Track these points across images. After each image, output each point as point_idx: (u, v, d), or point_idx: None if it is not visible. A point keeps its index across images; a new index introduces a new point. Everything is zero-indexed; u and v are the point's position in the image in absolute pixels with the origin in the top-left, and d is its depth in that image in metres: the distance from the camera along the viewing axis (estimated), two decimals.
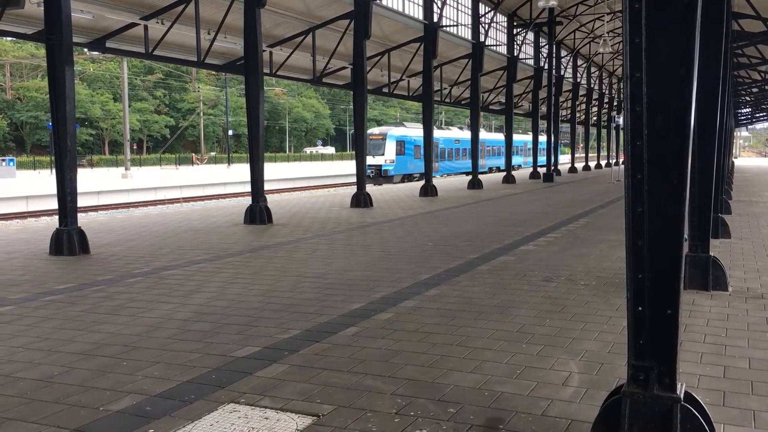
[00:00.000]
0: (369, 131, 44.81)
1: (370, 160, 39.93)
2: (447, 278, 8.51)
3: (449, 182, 34.95)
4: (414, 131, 46.33)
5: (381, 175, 43.82)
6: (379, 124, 65.83)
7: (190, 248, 11.39)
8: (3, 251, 11.31)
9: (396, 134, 46.30)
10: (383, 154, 45.04)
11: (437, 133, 46.23)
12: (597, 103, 55.89)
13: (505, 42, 32.92)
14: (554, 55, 37.62)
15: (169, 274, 8.99)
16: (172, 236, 13.01)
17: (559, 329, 6.05)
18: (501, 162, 57.45)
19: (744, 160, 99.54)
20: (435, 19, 24.01)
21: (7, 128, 68.33)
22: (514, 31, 33.10)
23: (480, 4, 29.02)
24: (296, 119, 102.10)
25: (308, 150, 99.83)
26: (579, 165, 52.90)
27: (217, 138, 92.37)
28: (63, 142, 10.97)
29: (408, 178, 46.21)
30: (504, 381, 4.73)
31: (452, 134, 56.62)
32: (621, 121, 40.02)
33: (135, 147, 72.75)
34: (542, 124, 44.42)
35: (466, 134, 49.56)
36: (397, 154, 45.32)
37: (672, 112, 3.24)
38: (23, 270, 9.48)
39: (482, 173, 47.88)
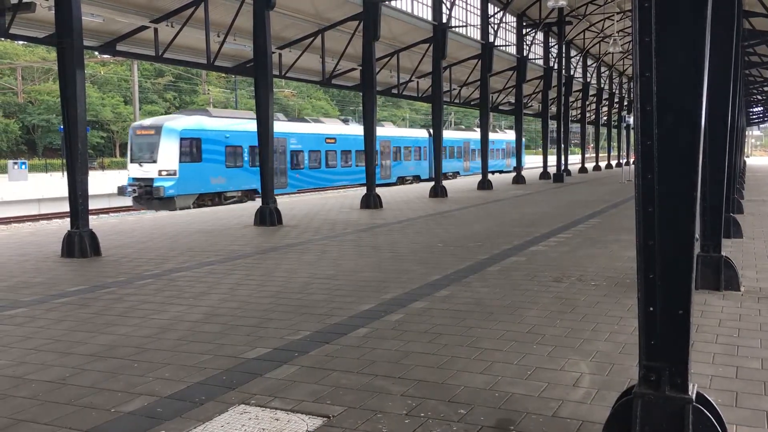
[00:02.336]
0: (136, 123, 31.02)
1: (135, 171, 27.67)
2: (457, 279, 8.50)
3: (459, 183, 34.89)
4: (221, 120, 29.73)
5: (154, 196, 26.73)
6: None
7: (200, 250, 11.43)
8: (15, 253, 11.38)
9: (180, 126, 27.67)
10: (155, 161, 27.25)
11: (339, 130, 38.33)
12: (607, 103, 55.65)
13: (515, 42, 32.85)
14: (564, 55, 37.50)
15: (179, 276, 9.03)
16: (183, 238, 13.06)
17: (569, 330, 6.03)
18: (460, 165, 51.25)
19: (756, 159, 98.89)
20: (444, 20, 23.99)
21: (19, 131, 68.84)
22: (524, 31, 33.02)
23: (489, 4, 28.97)
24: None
25: None
26: (590, 165, 52.70)
27: None
28: (74, 144, 11.03)
29: (217, 198, 28.80)
30: (514, 382, 4.72)
31: (346, 130, 39.83)
32: (631, 120, 39.83)
33: None
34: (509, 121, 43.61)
35: (389, 130, 42.95)
36: (183, 161, 27.16)
37: (683, 111, 3.22)
38: (35, 272, 9.54)
39: (428, 180, 42.08)
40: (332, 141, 37.28)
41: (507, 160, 58.62)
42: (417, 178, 45.25)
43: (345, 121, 43.30)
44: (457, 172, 50.96)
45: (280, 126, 31.48)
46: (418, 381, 4.76)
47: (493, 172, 54.95)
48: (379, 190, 20.63)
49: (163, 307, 7.19)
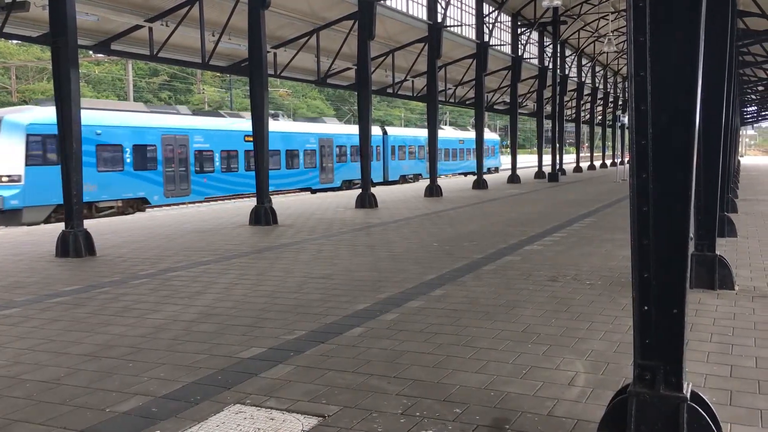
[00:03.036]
0: None
1: None
2: (452, 278, 8.50)
3: (454, 183, 34.92)
4: (92, 113, 22.67)
5: None
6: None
7: (195, 249, 11.41)
8: (10, 253, 11.35)
9: (27, 120, 21.24)
10: None
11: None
12: (602, 103, 55.76)
13: (510, 42, 32.90)
14: (558, 54, 37.54)
15: (174, 276, 9.01)
16: (178, 237, 13.04)
17: (564, 329, 6.04)
18: (422, 167, 44.89)
19: (750, 159, 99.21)
20: (439, 19, 24.00)
21: None
22: (519, 31, 33.08)
23: (484, 3, 29.01)
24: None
25: None
26: (584, 164, 52.78)
27: None
28: (69, 144, 11.00)
29: (87, 210, 20.76)
30: (510, 381, 4.72)
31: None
32: (626, 120, 39.84)
33: None
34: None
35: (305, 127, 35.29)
36: (32, 164, 21.04)
37: (677, 110, 3.23)
38: (29, 272, 9.51)
39: (383, 183, 38.68)
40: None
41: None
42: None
43: (274, 116, 35.15)
44: (419, 175, 45.36)
45: (179, 120, 26.87)
46: (414, 380, 4.76)
47: (466, 174, 49.60)
48: (384, 190, 20.59)
49: (158, 307, 7.18)
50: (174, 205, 26.25)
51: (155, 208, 25.25)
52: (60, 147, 11.20)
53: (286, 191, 32.64)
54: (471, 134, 54.75)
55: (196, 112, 32.52)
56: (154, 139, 25.47)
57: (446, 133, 50.80)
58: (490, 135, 57.55)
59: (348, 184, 37.02)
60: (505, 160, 67.09)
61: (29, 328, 6.43)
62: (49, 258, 10.77)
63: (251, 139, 27.38)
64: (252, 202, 26.04)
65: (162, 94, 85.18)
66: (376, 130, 40.53)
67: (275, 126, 32.06)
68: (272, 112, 46.90)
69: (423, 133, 46.57)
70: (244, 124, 29.90)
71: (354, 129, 38.65)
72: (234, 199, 29.15)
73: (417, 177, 45.06)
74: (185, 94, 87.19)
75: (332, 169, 36.00)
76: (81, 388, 4.73)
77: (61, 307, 7.29)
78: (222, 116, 31.57)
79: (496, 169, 57.53)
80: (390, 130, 42.97)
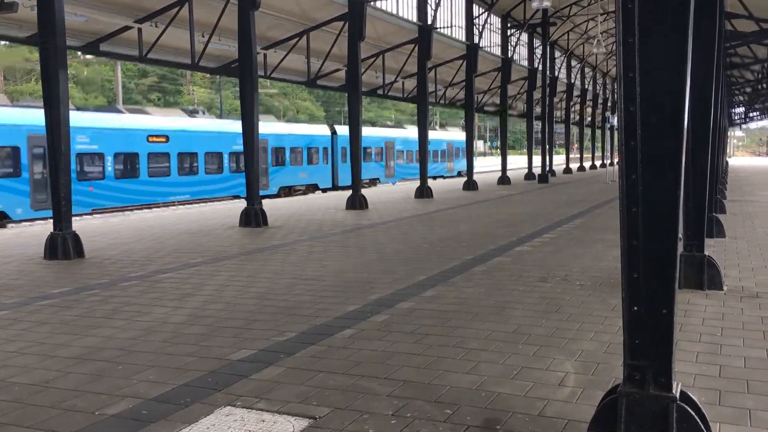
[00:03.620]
0: None
1: None
2: (443, 279, 8.51)
3: (445, 184, 34.96)
4: None
5: None
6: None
7: (185, 251, 11.37)
8: None
9: None
10: None
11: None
12: (591, 104, 55.98)
13: (500, 43, 32.96)
14: (548, 56, 37.67)
15: (164, 278, 8.97)
16: (168, 239, 12.98)
17: (555, 329, 6.06)
18: (379, 170, 40.72)
19: (738, 160, 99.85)
20: (429, 21, 24.03)
21: None
22: (508, 32, 33.15)
23: (474, 5, 29.07)
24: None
25: None
26: (574, 166, 52.96)
27: None
28: (57, 145, 10.94)
29: None
30: (500, 382, 4.73)
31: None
32: (615, 121, 39.99)
33: None
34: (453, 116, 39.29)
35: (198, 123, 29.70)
36: None
37: (666, 111, 3.25)
38: (18, 274, 9.44)
39: (333, 189, 34.62)
40: (161, 140, 26.43)
41: (449, 163, 49.79)
42: (313, 188, 35.14)
43: (192, 113, 31.96)
44: (377, 179, 40.42)
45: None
46: (405, 381, 4.76)
47: (435, 178, 43.84)
48: (374, 191, 20.55)
49: (148, 309, 7.15)
50: (46, 219, 20.49)
51: (23, 222, 21.28)
52: (48, 148, 11.12)
53: (204, 200, 27.78)
54: (440, 134, 50.83)
55: (81, 107, 28.24)
56: (16, 140, 21.19)
57: (409, 132, 44.89)
58: (458, 135, 52.20)
59: (287, 191, 32.52)
60: (481, 163, 65.52)
61: (18, 330, 6.38)
62: (38, 260, 10.70)
63: (160, 139, 26.10)
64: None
65: (151, 95, 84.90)
66: (322, 130, 37.37)
67: (192, 124, 28.45)
68: (190, 108, 40.69)
69: (380, 132, 43.14)
70: (148, 121, 26.33)
71: (294, 128, 35.36)
72: (134, 209, 24.93)
73: (374, 182, 39.78)
74: (175, 95, 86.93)
75: (266, 173, 30.66)
76: (70, 390, 4.70)
77: (50, 309, 7.24)
78: (120, 112, 27.27)
79: (460, 173, 52.35)
80: (341, 129, 37.96)
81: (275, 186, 32.04)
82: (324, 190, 34.99)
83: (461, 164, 50.59)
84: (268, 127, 31.23)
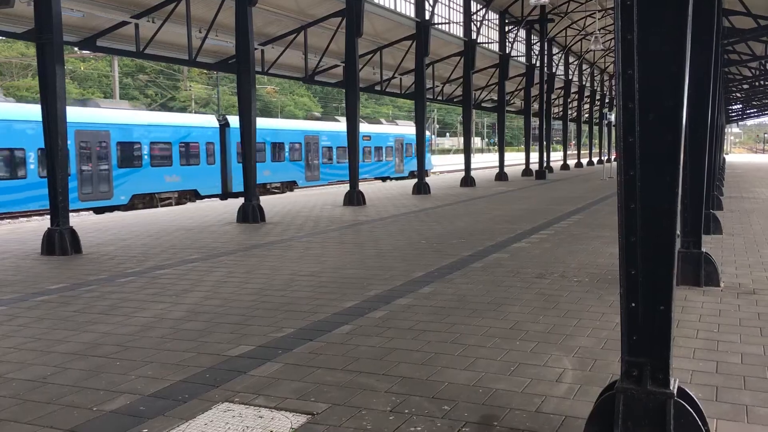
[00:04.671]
0: None
1: None
2: (440, 276, 8.52)
3: (442, 180, 34.96)
4: None
5: None
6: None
7: (182, 247, 11.36)
8: None
9: None
10: None
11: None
12: (589, 100, 56.00)
13: (497, 39, 32.94)
14: (546, 52, 37.65)
15: (161, 274, 8.97)
16: (165, 235, 12.97)
17: (552, 326, 6.07)
18: (298, 171, 33.54)
19: (735, 157, 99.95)
20: (427, 17, 24.00)
21: None
22: (506, 29, 33.12)
23: (472, 1, 29.03)
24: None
25: None
26: (571, 162, 52.97)
27: None
28: (54, 141, 10.92)
29: None
30: (498, 378, 4.74)
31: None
32: (612, 117, 39.98)
33: None
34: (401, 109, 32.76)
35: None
36: None
37: (664, 108, 3.25)
38: (15, 270, 9.43)
39: (223, 196, 27.93)
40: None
41: (397, 161, 42.74)
42: (192, 195, 27.39)
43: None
44: (294, 182, 33.49)
45: None
46: (402, 377, 4.77)
47: (384, 179, 38.56)
48: (371, 187, 20.50)
49: (146, 305, 7.14)
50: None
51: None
52: (45, 144, 11.10)
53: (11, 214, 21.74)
54: (386, 128, 42.54)
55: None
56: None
57: (343, 126, 36.52)
58: (410, 129, 43.33)
59: (146, 201, 25.58)
60: (478, 159, 63.50)
61: (15, 326, 6.38)
62: (35, 256, 10.69)
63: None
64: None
65: (149, 90, 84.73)
66: (204, 120, 29.29)
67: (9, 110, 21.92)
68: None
69: (298, 125, 35.46)
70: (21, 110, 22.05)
71: (155, 117, 27.52)
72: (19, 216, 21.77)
73: (289, 186, 32.82)
74: (172, 90, 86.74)
75: (108, 179, 23.81)
76: (68, 386, 4.70)
77: (48, 305, 7.23)
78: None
79: (426, 172, 45.74)
80: (235, 120, 28.60)
81: (125, 193, 24.35)
82: (202, 197, 27.85)
83: (415, 163, 43.66)
84: (110, 114, 24.21)
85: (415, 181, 24.55)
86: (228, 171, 29.32)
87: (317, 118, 41.64)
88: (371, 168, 39.52)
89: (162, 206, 23.43)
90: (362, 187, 20.77)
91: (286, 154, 32.89)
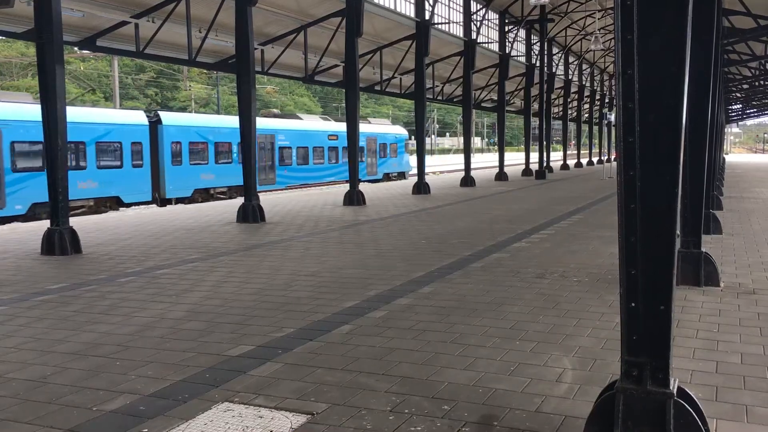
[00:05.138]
0: None
1: None
2: (440, 276, 8.52)
3: (442, 180, 34.95)
4: None
5: None
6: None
7: (182, 247, 11.36)
8: None
9: None
10: None
11: None
12: (588, 100, 56.00)
13: (497, 39, 32.93)
14: (546, 52, 37.66)
15: (162, 274, 8.97)
16: (165, 235, 12.97)
17: (552, 326, 6.07)
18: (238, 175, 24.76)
19: (735, 156, 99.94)
20: (427, 17, 24.00)
21: None
22: (506, 29, 33.11)
23: (471, 1, 29.03)
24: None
25: None
26: (571, 162, 52.97)
27: None
28: (54, 141, 10.92)
29: None
30: (498, 378, 4.74)
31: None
32: (612, 117, 39.95)
33: None
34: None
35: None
36: None
37: (664, 108, 3.25)
38: (15, 270, 9.43)
39: (153, 203, 25.00)
40: None
41: (370, 162, 38.93)
42: (112, 203, 24.03)
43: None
44: (232, 189, 28.82)
45: None
46: (402, 377, 4.77)
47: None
48: (371, 187, 20.48)
49: (146, 305, 7.14)
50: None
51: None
52: (45, 144, 11.10)
53: None
54: (364, 127, 37.04)
55: None
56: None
57: (305, 123, 34.84)
58: (384, 127, 41.16)
59: (214, 193, 24.66)
60: (478, 159, 63.18)
61: (15, 326, 6.38)
62: (35, 256, 10.68)
63: None
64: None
65: (149, 90, 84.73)
66: (129, 116, 25.57)
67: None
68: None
69: (232, 122, 28.89)
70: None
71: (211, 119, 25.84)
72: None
73: (229, 193, 28.66)
74: (172, 90, 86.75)
75: None
76: (68, 386, 4.70)
77: (48, 305, 7.23)
78: None
79: (402, 175, 42.08)
80: (171, 117, 27.33)
81: (22, 202, 20.92)
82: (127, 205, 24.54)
83: (390, 165, 40.82)
84: (2, 109, 20.69)
85: (415, 180, 24.55)
86: (161, 175, 25.88)
87: (275, 116, 37.14)
88: (337, 170, 35.66)
89: (75, 216, 17.04)
90: (358, 187, 20.66)
91: (234, 155, 28.91)
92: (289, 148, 32.76)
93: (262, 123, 28.29)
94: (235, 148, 28.77)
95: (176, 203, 25.73)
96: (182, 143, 26.58)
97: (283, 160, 32.32)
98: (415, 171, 25.41)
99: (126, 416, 4.15)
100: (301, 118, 35.86)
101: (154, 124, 25.98)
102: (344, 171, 30.56)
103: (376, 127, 40.37)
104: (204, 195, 27.51)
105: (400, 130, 44.39)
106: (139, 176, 24.91)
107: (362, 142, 36.71)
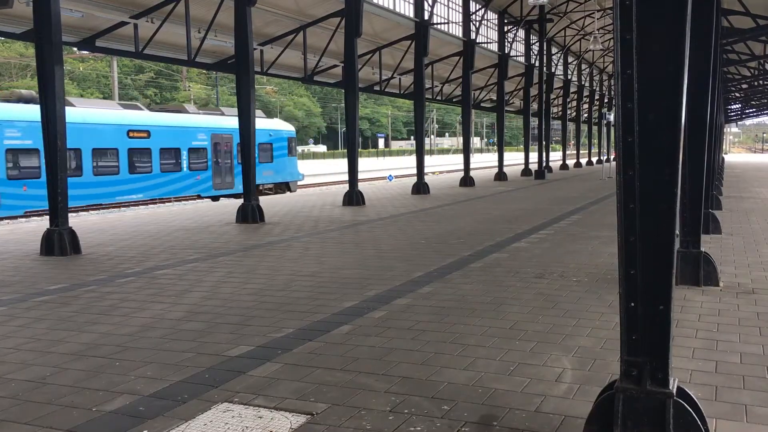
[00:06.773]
0: None
1: None
2: (440, 276, 8.52)
3: (441, 180, 34.96)
4: None
5: None
6: (370, 122, 42.34)
7: (182, 248, 11.36)
8: None
9: None
10: None
11: None
12: (588, 100, 56.02)
13: (496, 39, 32.94)
14: (545, 52, 37.67)
15: (161, 274, 8.96)
16: (164, 236, 12.97)
17: (551, 326, 6.07)
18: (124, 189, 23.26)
19: (734, 156, 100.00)
20: (426, 17, 24.00)
21: None
22: (505, 29, 33.12)
23: (471, 1, 29.03)
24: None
25: (300, 148, 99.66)
26: (570, 162, 52.99)
27: None
28: (53, 141, 10.92)
29: None
30: (497, 378, 4.74)
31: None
32: (612, 117, 39.95)
33: None
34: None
35: None
36: None
37: (663, 108, 3.25)
38: (14, 271, 9.42)
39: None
40: None
41: (217, 170, 27.92)
42: None
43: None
44: (107, 203, 23.25)
45: None
46: (402, 377, 4.77)
47: (197, 197, 26.57)
48: (370, 187, 20.52)
49: (145, 306, 7.14)
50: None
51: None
52: (45, 144, 11.09)
53: None
54: (207, 119, 28.08)
55: None
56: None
57: (90, 113, 23.15)
58: (267, 122, 31.09)
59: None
60: (477, 159, 62.22)
61: (14, 327, 6.37)
62: (34, 256, 10.68)
63: None
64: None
65: (148, 91, 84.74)
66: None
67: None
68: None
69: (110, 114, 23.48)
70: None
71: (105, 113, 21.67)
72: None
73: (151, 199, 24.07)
74: (171, 91, 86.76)
75: None
76: (67, 387, 4.69)
77: (47, 305, 7.23)
78: None
79: (287, 186, 31.59)
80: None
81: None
82: None
83: (278, 171, 30.97)
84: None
85: (415, 180, 24.54)
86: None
87: (21, 98, 21.76)
88: (152, 184, 25.01)
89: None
90: (363, 186, 20.64)
91: (114, 163, 23.18)
92: (35, 150, 20.28)
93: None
94: (111, 154, 22.86)
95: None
96: (10, 147, 20.10)
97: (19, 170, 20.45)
98: (314, 181, 22.33)
99: (125, 417, 4.15)
100: (73, 105, 22.19)
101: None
102: (163, 184, 25.11)
103: (228, 120, 28.47)
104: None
105: (281, 125, 33.01)
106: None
107: (203, 142, 27.27)
